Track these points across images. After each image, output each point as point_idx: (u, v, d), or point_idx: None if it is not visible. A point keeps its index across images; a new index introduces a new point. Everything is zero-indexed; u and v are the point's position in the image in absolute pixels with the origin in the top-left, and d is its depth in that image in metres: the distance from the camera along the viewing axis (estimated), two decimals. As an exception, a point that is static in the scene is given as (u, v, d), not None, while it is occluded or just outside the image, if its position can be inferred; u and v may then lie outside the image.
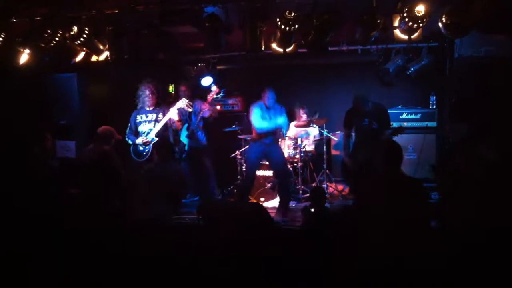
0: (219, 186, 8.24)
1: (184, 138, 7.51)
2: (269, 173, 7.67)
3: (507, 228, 3.78)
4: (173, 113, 6.85)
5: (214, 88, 7.48)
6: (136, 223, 5.13)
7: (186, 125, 7.47)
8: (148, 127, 6.80)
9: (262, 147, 6.94)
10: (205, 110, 7.27)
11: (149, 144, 6.74)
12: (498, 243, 3.74)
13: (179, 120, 7.02)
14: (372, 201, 4.25)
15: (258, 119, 6.86)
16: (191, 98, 7.40)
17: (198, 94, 7.78)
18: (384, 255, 3.90)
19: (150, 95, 6.84)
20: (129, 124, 6.93)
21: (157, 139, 6.73)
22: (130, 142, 6.87)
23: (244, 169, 7.93)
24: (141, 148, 6.80)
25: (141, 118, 6.84)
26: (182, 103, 6.96)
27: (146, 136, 6.75)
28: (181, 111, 7.18)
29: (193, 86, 8.08)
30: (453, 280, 3.73)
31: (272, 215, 6.21)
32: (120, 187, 5.93)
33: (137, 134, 6.86)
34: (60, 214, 4.76)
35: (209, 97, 7.33)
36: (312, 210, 5.19)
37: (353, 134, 6.88)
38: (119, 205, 5.58)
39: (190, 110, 7.28)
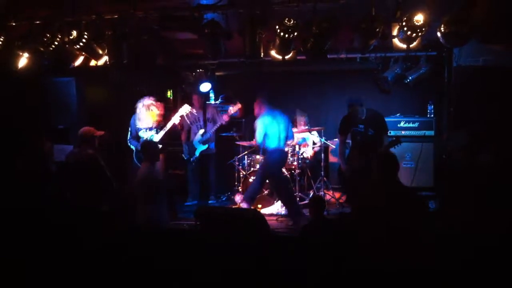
0: (217, 192, 8.29)
1: (197, 143, 7.56)
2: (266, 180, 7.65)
3: (507, 234, 3.79)
4: (176, 119, 6.87)
5: (237, 106, 7.57)
6: (133, 227, 5.13)
7: (202, 130, 7.52)
8: (150, 134, 6.80)
9: None
10: (226, 121, 7.39)
11: None
12: (499, 248, 3.75)
13: (180, 126, 7.06)
14: (369, 209, 4.26)
15: None
16: (202, 107, 7.47)
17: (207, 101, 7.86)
18: (382, 262, 3.90)
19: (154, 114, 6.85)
20: (130, 129, 6.94)
21: (160, 146, 6.73)
22: (133, 147, 6.87)
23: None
24: None
25: (145, 123, 6.85)
26: (184, 110, 6.98)
27: None
28: (196, 117, 7.26)
29: (202, 95, 8.13)
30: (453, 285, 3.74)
31: (270, 222, 6.20)
32: (109, 189, 5.93)
33: (138, 139, 6.86)
34: (57, 218, 4.76)
35: (229, 111, 7.44)
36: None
37: (349, 141, 6.90)
38: (111, 208, 5.58)
39: (195, 114, 7.36)
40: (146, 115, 6.79)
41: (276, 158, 7.19)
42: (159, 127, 6.83)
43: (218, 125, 7.60)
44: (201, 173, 7.88)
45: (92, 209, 4.90)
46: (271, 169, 7.19)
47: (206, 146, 7.55)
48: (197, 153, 7.56)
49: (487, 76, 6.25)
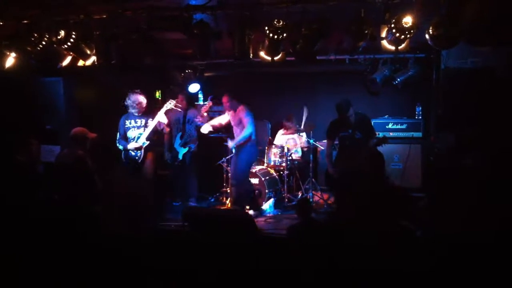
0: (205, 193, 8.24)
1: (178, 146, 7.48)
2: (255, 181, 7.66)
3: (493, 235, 3.81)
4: (161, 116, 6.85)
5: (208, 102, 7.46)
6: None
7: (180, 133, 7.45)
8: (138, 132, 6.79)
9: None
10: (200, 121, 7.28)
11: (141, 149, 6.72)
12: (484, 251, 3.77)
13: (168, 124, 7.03)
14: (358, 208, 4.27)
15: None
16: (186, 107, 7.42)
17: (192, 103, 7.77)
18: (371, 261, 3.91)
19: (139, 104, 6.83)
20: (118, 130, 6.91)
21: (148, 142, 6.74)
22: (121, 147, 6.85)
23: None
24: (133, 153, 6.78)
25: (130, 123, 6.84)
26: (170, 104, 6.98)
27: (136, 141, 6.74)
28: (176, 118, 7.20)
29: (188, 95, 8.08)
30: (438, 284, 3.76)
31: (257, 222, 6.20)
32: (95, 191, 5.89)
33: (126, 139, 6.84)
34: (45, 218, 4.73)
35: (203, 110, 7.34)
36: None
37: (337, 142, 6.91)
38: (98, 209, 5.54)
39: (180, 110, 7.29)
40: (138, 99, 6.80)
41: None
42: (146, 125, 6.81)
43: (193, 126, 7.51)
44: (182, 174, 7.80)
45: (80, 210, 4.87)
46: (250, 161, 7.36)
47: (187, 148, 7.49)
48: (180, 157, 7.50)
49: (475, 78, 6.30)
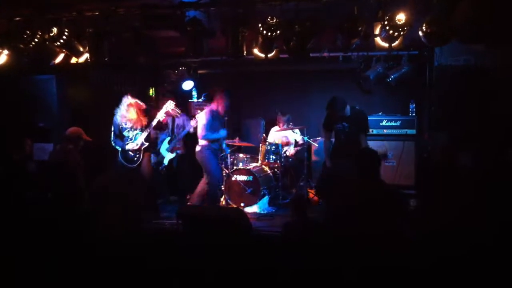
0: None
1: (164, 151, 7.39)
2: (250, 178, 7.64)
3: (485, 235, 3.83)
4: (160, 116, 6.78)
5: (195, 121, 7.37)
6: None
7: (168, 138, 7.36)
8: (135, 132, 6.69)
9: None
10: (191, 126, 7.19)
11: (139, 151, 6.67)
12: (477, 250, 3.78)
13: (163, 123, 6.97)
14: (347, 209, 4.27)
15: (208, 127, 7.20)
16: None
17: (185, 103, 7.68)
18: (360, 263, 3.92)
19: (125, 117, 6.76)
20: (113, 129, 6.79)
21: (147, 144, 6.68)
22: (118, 147, 6.76)
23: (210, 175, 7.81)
24: (131, 153, 6.72)
25: (126, 124, 6.74)
26: (170, 105, 6.91)
27: (134, 141, 6.66)
28: (165, 123, 7.13)
29: (175, 92, 8.03)
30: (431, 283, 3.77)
31: (252, 220, 6.20)
32: (80, 189, 5.88)
33: (122, 138, 6.75)
34: (37, 218, 4.72)
35: (191, 128, 7.26)
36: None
37: (333, 139, 6.89)
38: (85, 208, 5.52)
39: (178, 115, 7.21)
40: (129, 113, 6.69)
41: None
42: (144, 126, 6.74)
43: (184, 131, 7.39)
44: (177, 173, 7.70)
45: (71, 209, 4.86)
46: None
47: (174, 154, 7.39)
48: (165, 162, 7.39)
49: (468, 75, 6.32)
